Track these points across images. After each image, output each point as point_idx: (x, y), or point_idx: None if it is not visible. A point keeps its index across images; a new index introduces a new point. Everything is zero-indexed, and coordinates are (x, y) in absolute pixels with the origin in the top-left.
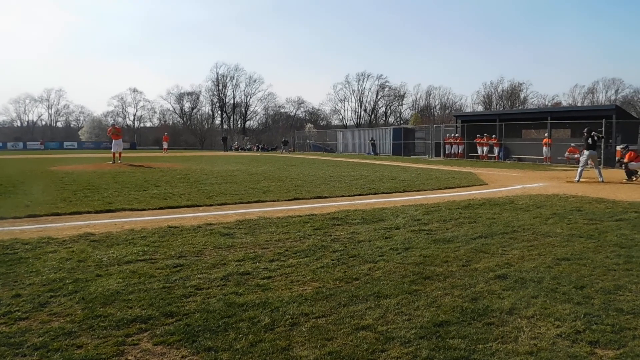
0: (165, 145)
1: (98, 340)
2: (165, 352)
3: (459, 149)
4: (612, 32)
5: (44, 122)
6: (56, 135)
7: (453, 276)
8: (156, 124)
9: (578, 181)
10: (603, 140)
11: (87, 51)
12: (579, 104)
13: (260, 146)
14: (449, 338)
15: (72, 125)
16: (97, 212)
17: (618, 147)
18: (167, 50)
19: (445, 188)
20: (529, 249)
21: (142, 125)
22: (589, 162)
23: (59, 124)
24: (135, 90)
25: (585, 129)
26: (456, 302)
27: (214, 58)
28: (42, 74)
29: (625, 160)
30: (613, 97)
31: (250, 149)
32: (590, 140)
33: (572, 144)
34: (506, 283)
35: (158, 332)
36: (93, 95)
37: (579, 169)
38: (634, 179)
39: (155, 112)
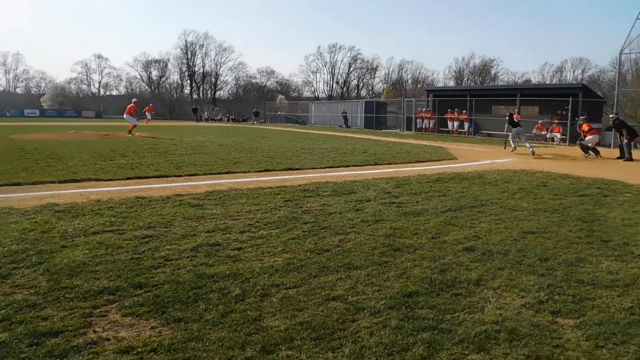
0: (148, 116)
1: (64, 312)
2: (134, 324)
3: (430, 124)
4: (581, 13)
5: (1, 88)
6: (16, 102)
7: (422, 248)
8: (123, 93)
9: (513, 150)
10: (568, 117)
11: (47, 14)
12: (547, 82)
13: (231, 117)
14: (418, 308)
15: (32, 92)
16: (61, 182)
17: (580, 121)
18: (134, 16)
19: (416, 162)
20: (496, 222)
21: (107, 93)
22: (518, 137)
23: (19, 90)
24: (100, 57)
25: (507, 114)
26: (425, 274)
27: (182, 25)
28: None
29: (584, 129)
30: (580, 77)
31: (220, 120)
32: (510, 121)
33: (540, 121)
34: (474, 255)
35: (126, 304)
36: (55, 61)
37: (511, 141)
38: (587, 156)
39: (121, 80)
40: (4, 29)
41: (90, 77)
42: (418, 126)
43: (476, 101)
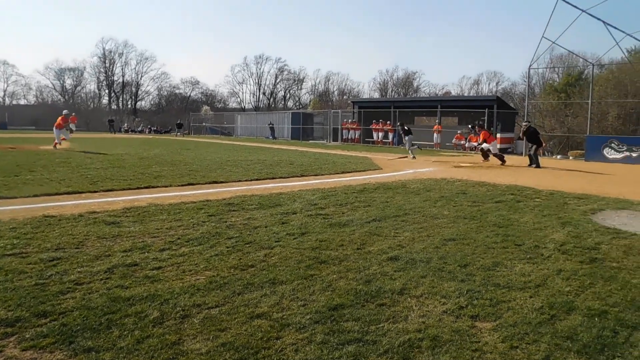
0: (72, 127)
1: None
2: (36, 358)
3: (355, 134)
4: (495, 30)
5: None
6: None
7: (348, 259)
8: (32, 102)
9: (413, 158)
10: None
11: None
12: (465, 94)
13: (152, 128)
14: (343, 321)
15: None
16: None
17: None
18: (46, 20)
19: (342, 172)
20: (419, 230)
21: (14, 102)
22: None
23: None
24: (5, 63)
25: (399, 124)
26: (350, 285)
27: (99, 31)
28: None
29: (481, 139)
30: (494, 89)
31: (142, 131)
32: (402, 131)
33: (459, 131)
34: (398, 264)
35: (28, 336)
36: None
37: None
38: (486, 160)
39: (30, 89)
40: None
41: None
42: (344, 137)
43: (400, 112)
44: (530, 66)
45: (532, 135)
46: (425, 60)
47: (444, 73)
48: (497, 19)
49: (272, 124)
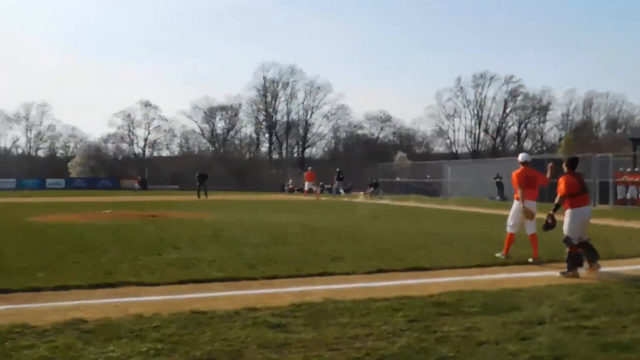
0: (314, 187)
1: None
2: None
3: (638, 193)
4: None
5: (20, 150)
6: (37, 167)
7: None
8: (176, 152)
9: None
10: None
11: (79, 51)
12: None
13: (326, 186)
14: None
15: (58, 155)
16: (90, 286)
17: None
18: (191, 48)
19: (618, 257)
20: None
21: (156, 154)
22: None
23: (40, 153)
24: (147, 104)
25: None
26: None
27: (258, 57)
28: (20, 83)
29: None
30: None
31: (311, 192)
32: None
33: None
34: None
35: None
36: (87, 113)
37: None
38: None
39: (174, 136)
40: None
41: (133, 131)
42: (619, 197)
43: None
44: None
45: None
46: None
47: None
48: None
49: (501, 178)
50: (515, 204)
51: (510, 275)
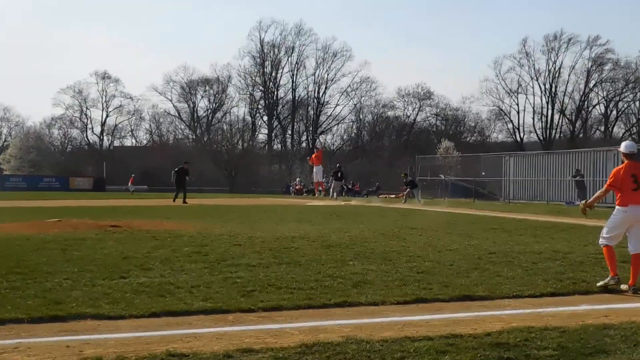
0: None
1: None
2: None
3: None
4: None
5: None
6: None
7: None
8: (143, 141)
9: None
10: None
11: (13, 11)
12: None
13: (348, 185)
14: None
15: None
16: (33, 320)
17: None
18: (164, 7)
19: None
20: None
21: (117, 143)
22: None
23: None
24: (106, 77)
25: None
26: None
27: (254, 13)
28: None
29: None
30: None
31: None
32: None
33: None
34: None
35: None
36: (25, 90)
37: None
38: None
39: (142, 119)
40: None
41: (86, 113)
42: None
43: None
44: None
45: None
46: None
47: None
48: None
49: (581, 174)
50: (618, 212)
51: (595, 307)
